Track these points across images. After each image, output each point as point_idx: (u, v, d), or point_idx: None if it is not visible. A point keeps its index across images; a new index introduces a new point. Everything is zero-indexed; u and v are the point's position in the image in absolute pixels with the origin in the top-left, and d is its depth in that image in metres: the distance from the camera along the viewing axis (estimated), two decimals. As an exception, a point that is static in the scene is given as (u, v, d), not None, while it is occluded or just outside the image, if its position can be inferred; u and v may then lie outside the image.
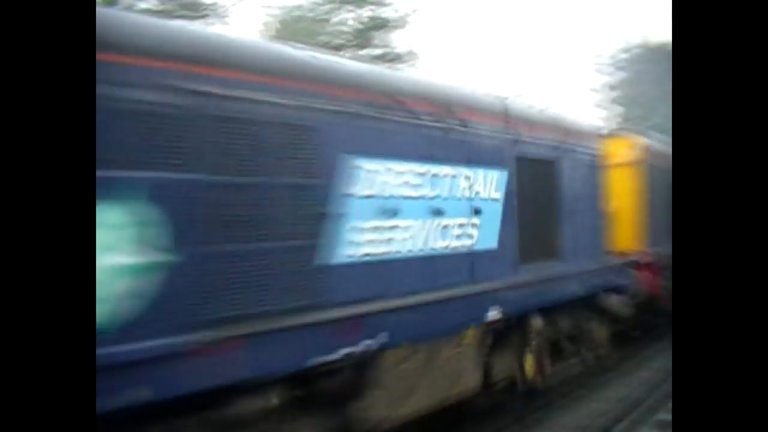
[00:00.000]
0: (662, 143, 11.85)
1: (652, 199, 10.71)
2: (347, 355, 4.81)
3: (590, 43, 76.36)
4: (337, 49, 20.01)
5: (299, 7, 23.39)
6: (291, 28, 21.73)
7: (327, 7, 23.57)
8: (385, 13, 24.24)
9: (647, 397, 8.25)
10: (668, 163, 11.42)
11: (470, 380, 6.37)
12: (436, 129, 6.04)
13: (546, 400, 7.89)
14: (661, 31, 53.11)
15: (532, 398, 7.58)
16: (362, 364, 5.11)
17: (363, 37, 23.54)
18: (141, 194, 3.67)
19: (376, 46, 23.68)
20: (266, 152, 4.46)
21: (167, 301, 3.71)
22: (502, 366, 6.92)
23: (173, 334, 3.70)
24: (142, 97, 3.75)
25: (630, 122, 40.17)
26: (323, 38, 21.88)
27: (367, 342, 4.98)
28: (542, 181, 7.62)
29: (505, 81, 27.59)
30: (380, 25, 23.98)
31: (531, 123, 7.61)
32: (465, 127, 6.38)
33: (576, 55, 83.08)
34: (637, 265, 9.87)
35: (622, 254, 9.50)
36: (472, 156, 6.46)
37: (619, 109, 51.43)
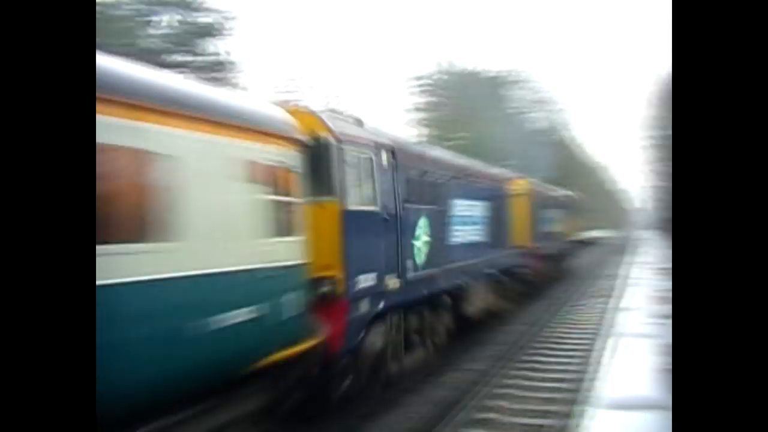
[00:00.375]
0: (538, 182, 20.11)
1: (533, 214, 18.29)
2: (462, 283, 11.21)
3: (408, 65, 79.83)
4: (159, 53, 20.34)
5: (115, 5, 22.06)
6: (106, 27, 20.09)
7: (144, 8, 22.80)
8: (204, 19, 23.90)
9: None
10: (542, 193, 19.45)
11: (486, 302, 13.15)
12: (472, 183, 12.59)
13: (502, 318, 14.92)
14: (466, 60, 56.36)
15: (494, 318, 14.44)
16: (464, 288, 11.47)
17: (186, 44, 23.16)
18: (420, 213, 9.68)
19: (196, 54, 23.46)
20: (437, 196, 10.58)
21: (430, 256, 9.76)
22: (489, 299, 13.63)
23: (432, 268, 9.76)
24: (412, 174, 9.69)
25: (432, 141, 41.61)
26: (143, 42, 21.54)
27: (466, 278, 11.39)
28: (498, 206, 14.47)
29: (325, 91, 28.35)
30: (201, 31, 23.63)
31: (498, 177, 14.60)
32: (479, 180, 13.02)
33: (394, 74, 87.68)
34: (527, 253, 17.26)
35: (521, 247, 16.72)
36: (481, 195, 13.11)
37: (425, 130, 54.14)
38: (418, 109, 57.05)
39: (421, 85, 57.53)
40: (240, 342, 5.38)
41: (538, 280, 19.36)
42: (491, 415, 8.13)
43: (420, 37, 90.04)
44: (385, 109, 71.81)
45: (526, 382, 9.82)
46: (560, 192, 26.68)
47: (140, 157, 4.45)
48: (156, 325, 4.51)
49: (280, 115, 6.74)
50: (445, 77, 57.18)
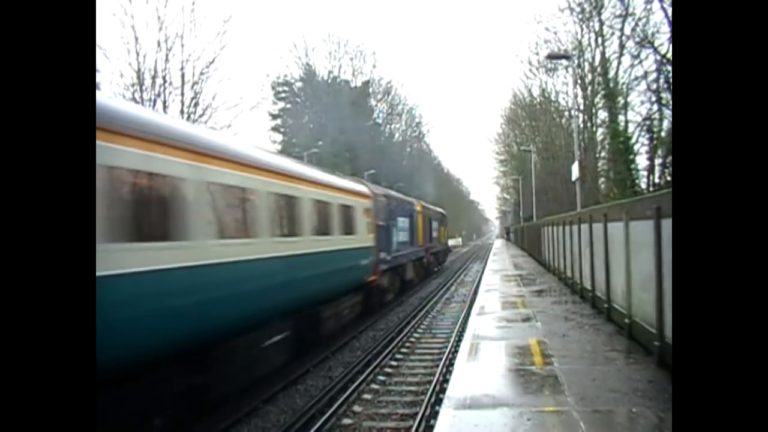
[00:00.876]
0: (426, 203, 32.27)
1: (425, 225, 28.68)
2: (405, 262, 21.99)
3: (272, 69, 76.38)
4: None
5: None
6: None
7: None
8: None
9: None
10: (429, 210, 31.89)
11: (416, 274, 24.45)
12: (402, 207, 22.98)
13: (420, 286, 24.73)
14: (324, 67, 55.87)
15: (416, 284, 24.40)
16: (405, 265, 22.03)
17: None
18: (393, 225, 19.97)
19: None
20: (395, 216, 20.76)
21: (396, 247, 20.27)
22: (416, 273, 24.45)
23: (397, 253, 20.30)
24: (389, 206, 19.76)
25: (291, 149, 45.71)
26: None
27: (405, 260, 22.09)
28: (412, 220, 24.70)
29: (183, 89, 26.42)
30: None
31: (412, 202, 25.68)
32: (404, 205, 23.42)
33: (258, 77, 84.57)
34: (425, 249, 27.17)
35: (421, 245, 26.67)
36: (405, 214, 23.34)
37: (280, 137, 55.54)
38: (275, 116, 57.19)
39: (279, 92, 57.39)
40: (364, 271, 15.12)
41: (429, 267, 30.66)
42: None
43: (283, 41, 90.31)
44: (248, 113, 68.13)
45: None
46: (438, 209, 38.32)
47: (351, 209, 14.17)
48: (354, 261, 14.32)
49: (365, 187, 17.02)
50: (301, 84, 57.67)
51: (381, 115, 66.92)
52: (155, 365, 6.56)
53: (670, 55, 18.32)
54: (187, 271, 6.90)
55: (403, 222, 22.11)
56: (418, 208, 26.83)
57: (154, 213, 6.56)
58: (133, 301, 5.97)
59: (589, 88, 32.11)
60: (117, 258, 5.71)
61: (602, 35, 30.31)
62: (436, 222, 34.57)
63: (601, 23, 30.05)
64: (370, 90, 64.21)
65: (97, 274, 3.96)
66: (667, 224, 7.34)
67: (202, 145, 7.63)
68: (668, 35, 21.78)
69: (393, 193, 23.15)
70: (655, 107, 25.85)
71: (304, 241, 11.04)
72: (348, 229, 13.89)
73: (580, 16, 30.73)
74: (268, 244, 9.33)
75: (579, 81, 30.87)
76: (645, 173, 27.01)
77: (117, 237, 5.80)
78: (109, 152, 5.73)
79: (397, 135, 72.19)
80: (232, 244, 8.18)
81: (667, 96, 23.26)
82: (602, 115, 31.64)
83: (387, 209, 19.10)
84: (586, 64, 31.96)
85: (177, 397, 7.21)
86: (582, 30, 31.56)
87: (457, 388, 7.29)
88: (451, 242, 63.62)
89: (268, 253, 9.30)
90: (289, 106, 58.69)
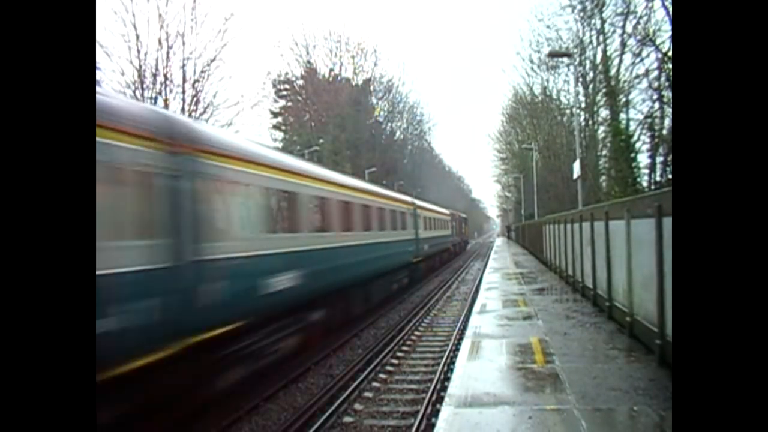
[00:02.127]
0: (458, 211, 44.11)
1: (459, 224, 38.35)
2: (456, 242, 30.65)
3: (273, 66, 78.04)
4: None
5: None
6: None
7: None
8: None
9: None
10: (460, 216, 44.55)
11: (458, 249, 32.98)
12: (454, 216, 29.18)
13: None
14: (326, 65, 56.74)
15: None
16: (456, 244, 31.08)
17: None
18: (452, 226, 22.32)
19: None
20: (453, 220, 26.61)
21: (453, 235, 29.14)
22: (458, 249, 30.72)
23: (452, 237, 27.95)
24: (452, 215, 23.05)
25: (292, 147, 46.32)
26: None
27: (455, 241, 32.10)
28: (455, 222, 29.80)
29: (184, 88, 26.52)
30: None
31: (453, 212, 32.81)
32: (455, 215, 26.12)
33: (259, 74, 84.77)
34: (460, 238, 35.08)
35: (457, 236, 34.83)
36: (455, 219, 31.28)
37: (281, 134, 55.57)
38: (276, 113, 56.80)
39: (281, 89, 57.19)
40: (449, 244, 37.94)
41: (460, 248, 47.07)
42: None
43: (285, 39, 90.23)
44: (249, 110, 68.73)
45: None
46: (463, 215, 57.60)
47: (445, 220, 29.24)
48: (448, 239, 36.64)
49: (448, 210, 38.34)
50: (302, 82, 57.46)
51: (382, 113, 67.01)
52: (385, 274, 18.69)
53: (671, 53, 18.35)
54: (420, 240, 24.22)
55: (453, 223, 39.74)
56: (457, 215, 44.37)
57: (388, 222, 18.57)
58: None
59: (591, 86, 32.06)
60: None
61: (603, 33, 30.25)
62: (463, 223, 55.28)
63: (603, 21, 30.00)
64: (372, 88, 64.37)
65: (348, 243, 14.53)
66: (668, 222, 7.36)
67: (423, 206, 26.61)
68: (669, 33, 21.75)
69: (453, 210, 43.93)
70: (657, 105, 25.80)
71: (436, 231, 29.40)
72: (444, 228, 33.45)
73: (581, 14, 30.69)
74: (429, 230, 27.25)
75: (580, 79, 30.84)
76: (646, 171, 26.98)
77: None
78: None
79: (398, 133, 72.48)
80: (428, 231, 27.21)
81: (668, 94, 23.21)
82: (603, 113, 31.60)
83: (451, 218, 38.13)
84: (588, 62, 31.92)
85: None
86: (583, 28, 31.53)
87: (458, 386, 7.25)
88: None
89: (431, 234, 27.93)
90: (290, 103, 58.96)
